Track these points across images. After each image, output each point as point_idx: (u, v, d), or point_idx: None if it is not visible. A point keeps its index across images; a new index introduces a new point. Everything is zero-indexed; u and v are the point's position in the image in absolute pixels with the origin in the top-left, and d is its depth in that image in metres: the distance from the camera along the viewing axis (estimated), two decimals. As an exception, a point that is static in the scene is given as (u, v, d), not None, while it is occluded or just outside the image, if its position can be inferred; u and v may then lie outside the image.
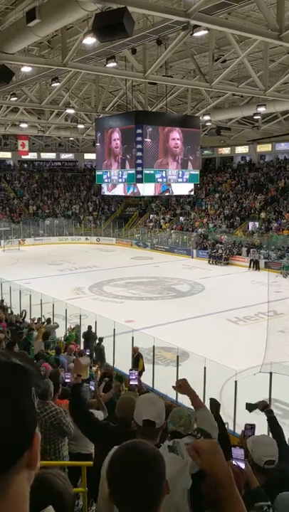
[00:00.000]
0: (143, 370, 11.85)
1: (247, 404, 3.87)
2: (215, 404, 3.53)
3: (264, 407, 3.79)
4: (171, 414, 2.93)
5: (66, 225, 41.85)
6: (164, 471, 1.20)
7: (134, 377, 3.78)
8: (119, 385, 6.68)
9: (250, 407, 3.83)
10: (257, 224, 33.40)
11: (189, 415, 2.84)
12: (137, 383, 3.69)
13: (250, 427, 3.44)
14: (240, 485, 2.15)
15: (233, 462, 2.60)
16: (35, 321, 14.12)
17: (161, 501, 1.18)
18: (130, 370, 3.89)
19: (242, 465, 2.56)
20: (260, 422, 3.77)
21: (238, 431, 3.93)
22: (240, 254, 30.70)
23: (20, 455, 0.74)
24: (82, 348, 12.42)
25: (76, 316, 15.09)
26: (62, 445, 4.27)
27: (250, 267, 28.88)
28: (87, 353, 11.51)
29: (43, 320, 14.27)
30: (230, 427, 7.16)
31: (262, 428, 4.07)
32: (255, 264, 28.78)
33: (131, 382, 3.79)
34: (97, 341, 12.92)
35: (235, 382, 8.94)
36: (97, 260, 31.45)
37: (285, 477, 2.99)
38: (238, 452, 2.56)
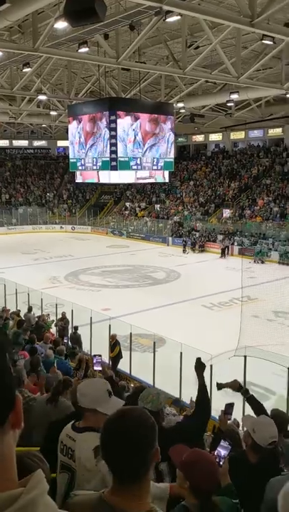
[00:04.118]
0: (121, 357, 11.96)
1: (217, 384, 3.89)
2: (199, 364, 3.58)
3: (238, 388, 3.80)
4: (141, 394, 3.04)
5: (40, 214, 41.37)
6: (153, 442, 1.32)
7: (95, 362, 3.82)
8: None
9: (219, 386, 3.81)
10: (226, 211, 33.79)
11: (158, 393, 2.97)
12: (100, 368, 3.74)
13: (230, 406, 3.51)
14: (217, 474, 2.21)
15: (219, 450, 2.65)
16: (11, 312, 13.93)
17: (149, 465, 1.31)
18: (94, 354, 3.93)
19: (222, 459, 2.61)
20: (236, 404, 3.84)
21: (214, 414, 3.97)
22: (214, 241, 31.02)
23: (6, 417, 0.79)
24: (56, 336, 12.40)
25: (52, 305, 15.03)
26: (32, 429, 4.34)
27: (222, 255, 29.03)
28: (65, 341, 11.54)
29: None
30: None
31: (238, 409, 4.17)
32: (226, 251, 29.04)
33: (95, 368, 3.84)
34: (73, 330, 12.95)
35: (211, 366, 9.10)
36: (72, 249, 31.27)
37: (275, 455, 3.07)
38: (226, 446, 2.63)
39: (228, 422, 3.85)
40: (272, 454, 3.01)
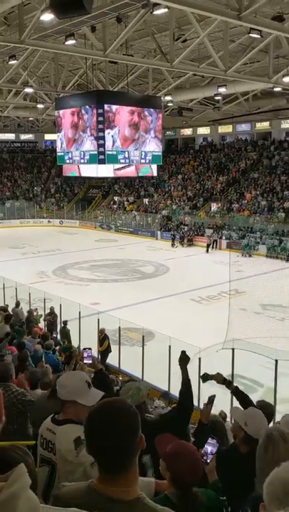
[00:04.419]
0: (110, 350, 11.99)
1: (201, 376, 3.85)
2: (183, 357, 3.60)
3: (222, 381, 3.75)
4: (122, 389, 3.05)
5: (27, 208, 41.07)
6: (137, 429, 1.35)
7: (86, 356, 3.85)
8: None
9: (204, 378, 3.76)
10: (214, 205, 33.86)
11: (138, 387, 2.98)
12: (90, 362, 3.77)
13: (212, 398, 3.52)
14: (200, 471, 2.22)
15: (206, 447, 2.64)
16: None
17: (134, 453, 1.34)
18: (84, 348, 3.93)
19: (210, 456, 2.60)
20: (221, 394, 3.84)
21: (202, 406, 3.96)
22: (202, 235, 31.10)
23: None
24: (45, 330, 12.37)
25: (40, 299, 14.98)
26: (26, 424, 4.33)
27: (207, 250, 28.90)
28: (54, 335, 11.53)
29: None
30: (195, 403, 7.38)
31: (225, 400, 4.18)
32: (212, 245, 29.03)
33: (85, 361, 3.86)
34: (62, 324, 12.93)
35: (199, 359, 9.17)
36: (60, 243, 31.14)
37: None
38: (214, 443, 2.62)
39: (214, 412, 3.86)
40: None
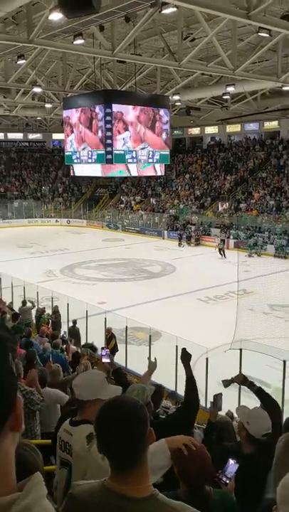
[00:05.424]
0: (117, 350, 11.98)
1: (223, 381, 3.78)
2: (184, 354, 3.56)
3: (243, 381, 3.66)
4: (127, 390, 3.04)
5: (35, 207, 41.22)
6: (145, 422, 1.36)
7: (105, 354, 3.85)
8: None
9: (226, 383, 3.71)
10: (227, 204, 33.72)
11: (143, 388, 2.97)
12: (108, 361, 3.78)
13: (218, 397, 3.46)
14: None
15: (225, 469, 2.58)
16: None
17: (144, 446, 1.34)
18: (102, 347, 3.92)
19: (227, 480, 2.55)
20: (232, 395, 3.79)
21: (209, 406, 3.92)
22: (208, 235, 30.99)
23: (5, 419, 0.77)
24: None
25: (48, 298, 15.01)
26: (34, 423, 4.34)
27: (224, 255, 26.20)
28: (62, 334, 11.53)
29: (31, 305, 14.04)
30: (202, 403, 7.35)
31: (233, 400, 4.13)
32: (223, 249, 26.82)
33: (103, 360, 3.87)
34: (72, 324, 12.91)
35: (207, 359, 9.15)
36: (68, 242, 31.21)
37: (270, 445, 3.06)
38: (232, 468, 2.54)
39: (221, 413, 3.81)
40: (268, 446, 3.00)
